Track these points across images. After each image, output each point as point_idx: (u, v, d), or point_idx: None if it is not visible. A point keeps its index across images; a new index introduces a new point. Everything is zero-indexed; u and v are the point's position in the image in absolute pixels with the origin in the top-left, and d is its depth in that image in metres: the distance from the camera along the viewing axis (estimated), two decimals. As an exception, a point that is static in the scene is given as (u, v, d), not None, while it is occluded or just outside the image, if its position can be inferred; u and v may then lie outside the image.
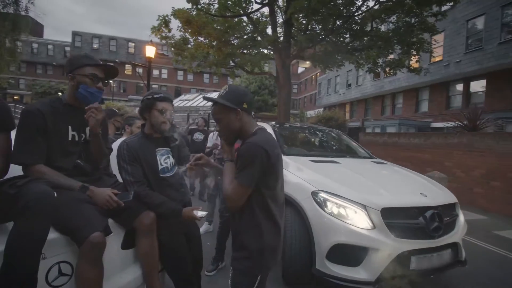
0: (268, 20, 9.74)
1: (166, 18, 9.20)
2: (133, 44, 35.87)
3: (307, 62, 10.31)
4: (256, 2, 8.76)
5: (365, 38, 8.16)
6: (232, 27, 9.09)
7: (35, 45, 35.59)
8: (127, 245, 1.53)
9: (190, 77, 36.81)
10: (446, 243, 2.23)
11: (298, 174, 2.63)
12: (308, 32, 8.69)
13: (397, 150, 8.45)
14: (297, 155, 3.18)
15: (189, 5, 8.89)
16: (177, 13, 8.59)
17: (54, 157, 1.38)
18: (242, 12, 9.06)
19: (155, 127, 1.68)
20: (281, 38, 9.16)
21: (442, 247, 2.20)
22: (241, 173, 1.15)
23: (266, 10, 9.62)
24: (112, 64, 1.59)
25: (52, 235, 1.19)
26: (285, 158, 2.95)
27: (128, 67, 33.89)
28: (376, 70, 8.66)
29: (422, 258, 2.11)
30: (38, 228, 1.04)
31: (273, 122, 4.12)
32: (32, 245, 1.03)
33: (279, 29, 9.65)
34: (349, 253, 2.08)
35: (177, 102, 18.21)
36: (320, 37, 8.24)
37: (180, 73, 36.35)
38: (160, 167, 1.70)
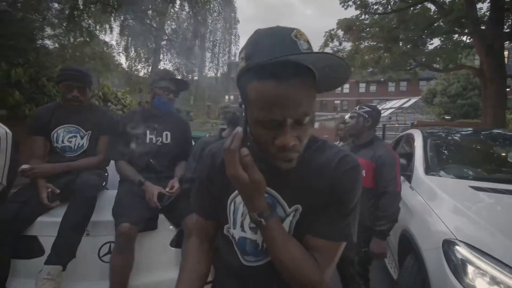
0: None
1: (332, 32, 9.27)
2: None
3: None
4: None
5: None
6: (406, 21, 7.59)
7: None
8: (177, 244, 1.59)
9: (372, 87, 34.63)
10: None
11: (433, 205, 1.66)
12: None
13: None
14: (454, 175, 2.04)
15: (357, 12, 8.50)
16: (339, 23, 8.41)
17: (133, 155, 1.70)
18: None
19: None
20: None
21: None
22: (345, 223, 0.60)
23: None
24: (181, 78, 1.76)
25: (108, 217, 1.46)
26: (427, 180, 2.01)
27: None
28: None
29: None
30: (78, 209, 1.31)
31: (428, 128, 2.92)
32: (73, 222, 1.31)
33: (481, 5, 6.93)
34: None
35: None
36: None
37: (362, 85, 35.04)
38: None
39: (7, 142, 1.42)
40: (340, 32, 8.93)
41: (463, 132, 2.98)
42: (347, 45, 9.93)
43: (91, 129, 1.70)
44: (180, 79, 1.80)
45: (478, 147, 2.72)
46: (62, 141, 1.64)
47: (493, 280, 1.10)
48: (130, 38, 12.42)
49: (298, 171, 0.59)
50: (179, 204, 1.56)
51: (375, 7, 8.41)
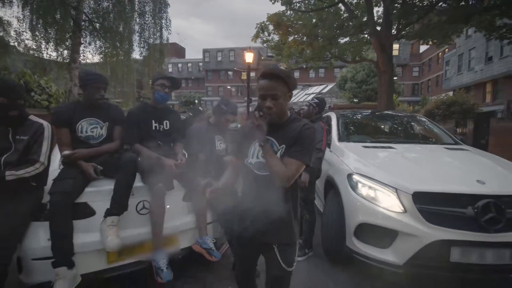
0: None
1: (263, 24, 10.21)
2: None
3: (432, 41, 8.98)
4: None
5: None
6: (323, 20, 9.09)
7: (179, 65, 45.84)
8: (187, 199, 2.26)
9: (296, 74, 37.88)
10: (507, 241, 1.86)
11: (343, 158, 2.75)
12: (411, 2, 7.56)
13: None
14: (355, 141, 3.21)
15: (283, 7, 9.58)
16: (269, 18, 9.39)
17: (144, 139, 2.25)
18: (336, 1, 8.91)
19: (217, 125, 2.46)
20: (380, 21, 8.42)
21: (500, 244, 1.86)
22: (306, 153, 1.22)
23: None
24: (174, 76, 2.36)
25: (140, 184, 2.04)
26: (339, 145, 3.09)
27: (244, 73, 38.61)
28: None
29: (468, 252, 1.88)
30: (126, 177, 1.87)
31: (341, 111, 4.15)
32: (124, 186, 1.87)
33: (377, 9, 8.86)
34: (379, 234, 2.11)
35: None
36: (424, 6, 7.08)
37: (288, 71, 37.94)
38: (216, 148, 2.40)
39: (49, 132, 1.83)
40: (271, 26, 9.95)
41: (363, 113, 4.32)
42: (275, 37, 11.09)
43: (108, 121, 2.16)
44: (173, 77, 2.37)
45: (371, 123, 4.07)
46: (86, 131, 2.07)
47: (370, 188, 2.20)
48: (35, 15, 10.69)
49: (284, 129, 1.27)
50: (187, 171, 2.22)
51: (298, 5, 9.68)
